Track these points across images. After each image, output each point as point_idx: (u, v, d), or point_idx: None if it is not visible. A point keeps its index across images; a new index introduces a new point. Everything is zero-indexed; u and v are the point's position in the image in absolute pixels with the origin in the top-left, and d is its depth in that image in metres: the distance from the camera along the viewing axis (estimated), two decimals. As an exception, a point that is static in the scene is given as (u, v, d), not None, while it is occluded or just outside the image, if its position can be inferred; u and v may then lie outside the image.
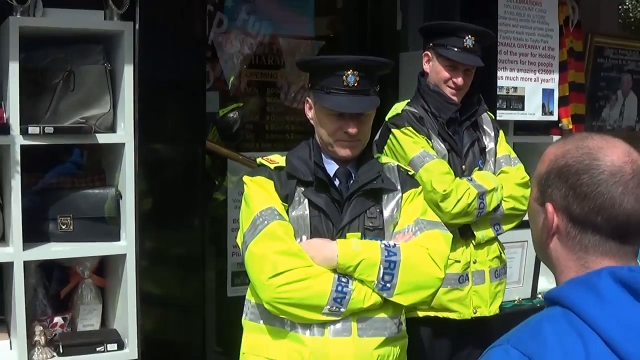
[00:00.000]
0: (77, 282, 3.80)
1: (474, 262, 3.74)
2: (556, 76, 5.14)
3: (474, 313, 3.74)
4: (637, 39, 5.43)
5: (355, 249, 2.82)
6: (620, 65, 6.05)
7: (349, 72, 2.84)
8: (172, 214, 3.72)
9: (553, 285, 1.73)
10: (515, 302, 4.91)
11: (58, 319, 3.71)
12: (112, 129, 3.69)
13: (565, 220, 1.68)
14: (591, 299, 1.57)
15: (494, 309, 3.81)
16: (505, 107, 4.85)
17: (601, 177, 1.63)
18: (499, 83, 4.80)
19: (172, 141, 3.71)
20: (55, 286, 3.81)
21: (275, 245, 2.79)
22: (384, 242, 2.88)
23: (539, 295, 5.02)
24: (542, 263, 5.00)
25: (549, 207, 1.69)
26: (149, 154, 3.64)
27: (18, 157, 3.40)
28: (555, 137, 5.19)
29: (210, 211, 3.90)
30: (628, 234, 1.65)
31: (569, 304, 1.59)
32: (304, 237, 2.89)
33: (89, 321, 3.80)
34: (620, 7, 5.08)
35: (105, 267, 3.91)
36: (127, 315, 3.67)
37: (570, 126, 5.27)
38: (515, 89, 4.92)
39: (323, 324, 2.81)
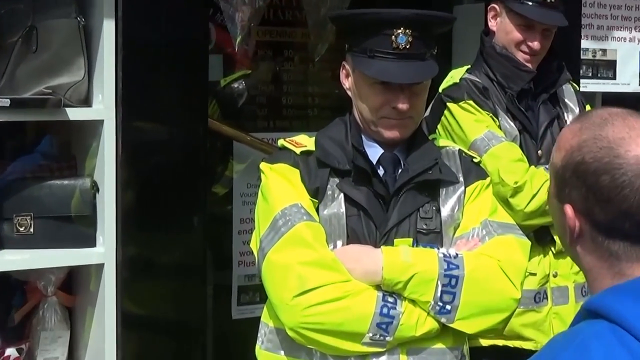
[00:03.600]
0: (38, 301, 3.78)
1: (554, 276, 3.79)
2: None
3: (555, 342, 3.71)
4: None
5: (406, 260, 2.79)
6: None
7: (400, 31, 2.83)
8: (164, 211, 3.74)
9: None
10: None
11: (11, 351, 3.67)
12: (86, 101, 3.67)
13: (589, 225, 1.77)
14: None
15: (579, 337, 3.78)
16: (590, 75, 4.90)
17: (624, 179, 1.70)
18: (583, 44, 4.84)
19: (165, 118, 3.73)
20: (8, 307, 3.81)
21: (302, 253, 2.78)
22: (442, 250, 2.87)
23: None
24: None
25: (568, 210, 1.79)
26: (135, 135, 3.66)
27: (-36, 137, 3.42)
28: (661, 115, 5.14)
29: (211, 209, 3.88)
30: None
31: (617, 317, 1.64)
32: (339, 243, 2.87)
33: (52, 353, 3.79)
34: None
35: (76, 282, 3.91)
36: (102, 343, 3.65)
37: (683, 101, 5.20)
38: (604, 51, 4.99)
39: (363, 357, 2.78)
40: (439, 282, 2.75)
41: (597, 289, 1.77)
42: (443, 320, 2.78)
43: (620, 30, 4.95)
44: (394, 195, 2.89)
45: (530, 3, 3.67)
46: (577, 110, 3.86)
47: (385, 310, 2.74)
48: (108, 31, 3.56)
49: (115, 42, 3.57)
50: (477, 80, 3.75)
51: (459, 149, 3.11)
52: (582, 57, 4.77)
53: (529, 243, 3.03)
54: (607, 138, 1.73)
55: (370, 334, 2.73)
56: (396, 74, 2.82)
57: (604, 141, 1.73)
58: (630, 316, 1.62)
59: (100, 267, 3.64)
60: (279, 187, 2.89)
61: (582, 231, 1.77)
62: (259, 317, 3.04)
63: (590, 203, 1.74)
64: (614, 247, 1.73)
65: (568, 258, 3.71)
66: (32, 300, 3.77)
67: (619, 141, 1.72)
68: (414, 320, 2.76)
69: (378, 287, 2.77)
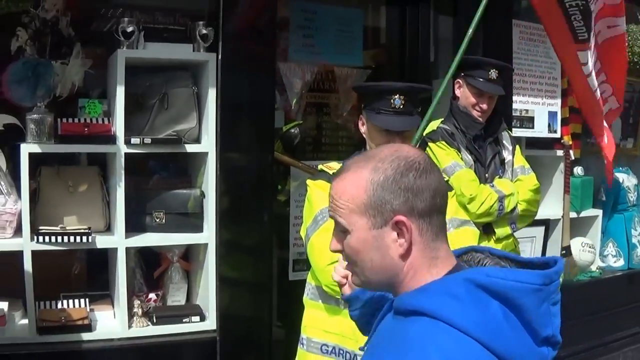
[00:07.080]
0: (168, 265, 3.80)
1: (494, 255, 3.69)
2: (559, 101, 5.13)
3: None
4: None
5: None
6: (608, 93, 5.99)
7: (396, 96, 2.80)
8: (246, 211, 3.72)
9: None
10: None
11: (152, 295, 3.71)
12: (197, 140, 3.69)
13: (415, 219, 1.49)
14: (457, 307, 1.42)
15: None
16: (518, 125, 4.86)
17: (423, 168, 1.50)
18: (514, 106, 4.80)
19: (247, 151, 3.72)
20: (149, 268, 3.82)
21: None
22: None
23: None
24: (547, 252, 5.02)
25: (399, 217, 1.48)
26: (227, 162, 3.64)
27: (122, 162, 3.43)
28: (559, 152, 5.15)
29: (275, 209, 3.90)
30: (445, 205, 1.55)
31: (438, 315, 1.42)
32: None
33: (176, 297, 3.81)
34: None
35: (190, 254, 3.91)
36: (207, 293, 3.68)
37: (570, 142, 5.17)
38: (527, 111, 4.94)
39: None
40: None
41: (416, 281, 1.50)
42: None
43: (536, 97, 4.96)
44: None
45: (481, 79, 3.63)
46: (510, 149, 3.81)
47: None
48: (211, 95, 3.58)
49: (216, 102, 3.57)
50: (447, 128, 3.70)
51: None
52: (513, 114, 4.76)
53: (478, 232, 3.00)
54: (390, 154, 1.52)
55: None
56: (394, 124, 2.77)
57: (390, 156, 1.51)
58: (447, 312, 1.41)
59: (205, 245, 3.68)
60: (319, 195, 2.82)
61: (412, 230, 1.48)
62: (305, 279, 3.00)
63: (411, 199, 1.47)
64: (435, 226, 1.50)
65: (503, 242, 3.69)
66: (164, 264, 3.79)
67: (398, 151, 1.52)
68: None
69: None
